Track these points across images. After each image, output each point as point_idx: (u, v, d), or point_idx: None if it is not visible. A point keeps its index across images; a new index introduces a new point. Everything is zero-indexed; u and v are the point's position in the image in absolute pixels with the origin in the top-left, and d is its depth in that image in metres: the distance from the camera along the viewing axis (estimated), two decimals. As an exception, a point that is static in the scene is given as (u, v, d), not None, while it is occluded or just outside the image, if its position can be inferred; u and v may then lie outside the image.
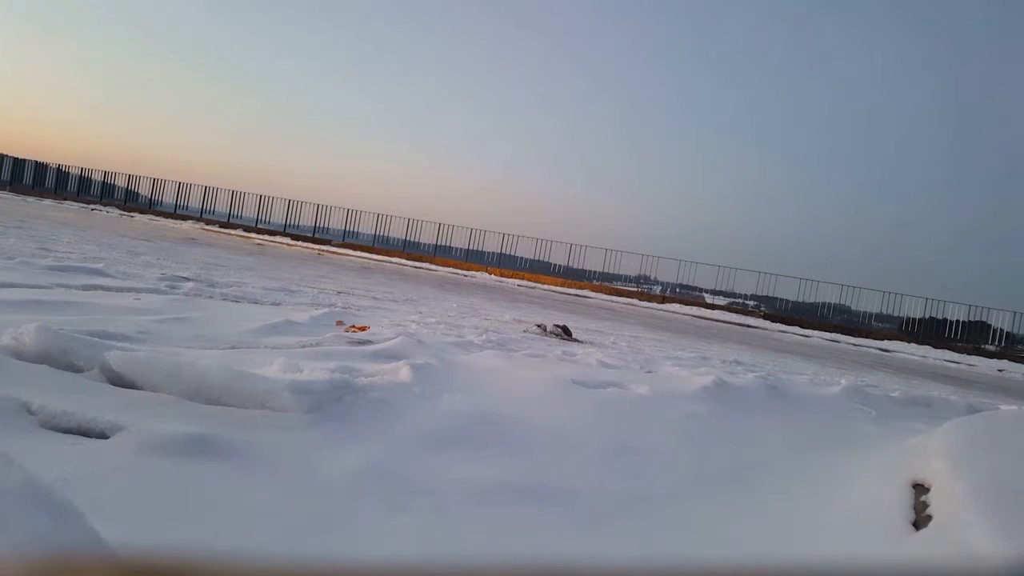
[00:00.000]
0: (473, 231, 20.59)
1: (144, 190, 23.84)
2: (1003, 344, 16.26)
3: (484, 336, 3.43)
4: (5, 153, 24.97)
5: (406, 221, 21.15)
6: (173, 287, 3.53)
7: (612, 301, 14.84)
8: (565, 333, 4.21)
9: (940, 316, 17.22)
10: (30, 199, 18.82)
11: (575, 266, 20.16)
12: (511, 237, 20.37)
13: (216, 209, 22.36)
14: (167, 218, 20.67)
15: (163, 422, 1.28)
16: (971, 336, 16.65)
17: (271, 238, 18.93)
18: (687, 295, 19.31)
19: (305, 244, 18.59)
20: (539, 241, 20.24)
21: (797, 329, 15.05)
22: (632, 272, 19.98)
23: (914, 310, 17.38)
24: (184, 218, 21.19)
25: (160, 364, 1.52)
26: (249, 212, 22.28)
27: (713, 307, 17.15)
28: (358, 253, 18.15)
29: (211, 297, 3.43)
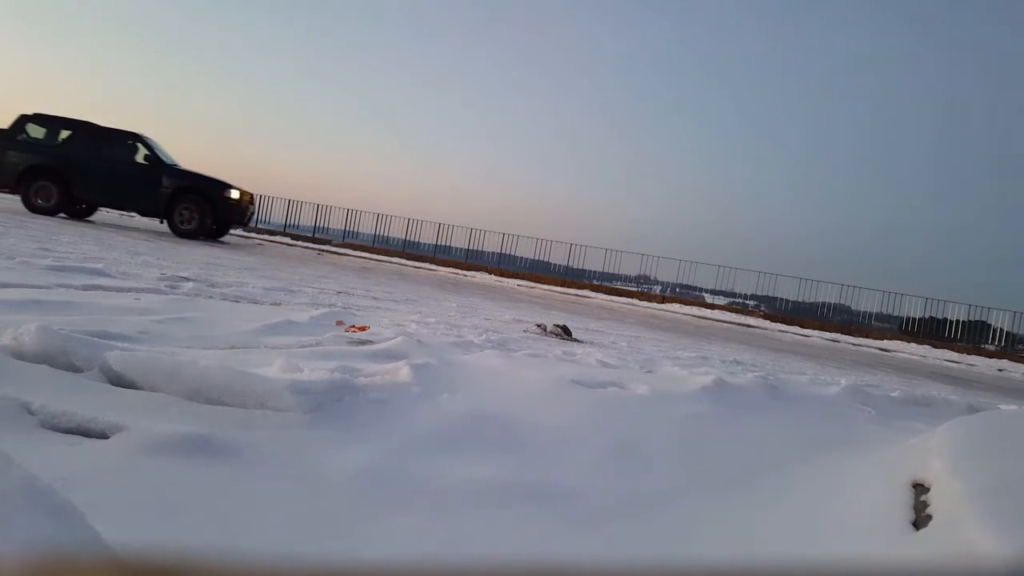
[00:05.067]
0: (473, 231, 20.60)
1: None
2: (1003, 344, 16.27)
3: (484, 336, 3.43)
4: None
5: (406, 221, 21.16)
6: (173, 287, 3.52)
7: (612, 301, 14.84)
8: (565, 333, 4.21)
9: (940, 316, 17.23)
10: (30, 199, 18.79)
11: (575, 266, 20.17)
12: (511, 237, 20.39)
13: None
14: (167, 218, 20.62)
15: (163, 422, 1.28)
16: (971, 336, 16.65)
17: (271, 238, 18.92)
18: (687, 295, 19.30)
19: (305, 244, 18.59)
20: (539, 241, 20.26)
21: (797, 329, 15.05)
22: (632, 272, 19.99)
23: (914, 310, 17.40)
24: (184, 218, 21.14)
25: (160, 364, 1.52)
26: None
27: (713, 307, 17.14)
28: (358, 253, 18.14)
29: (211, 297, 3.42)
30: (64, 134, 10.05)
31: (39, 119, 10.08)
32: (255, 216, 13.86)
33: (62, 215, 10.47)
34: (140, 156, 10.06)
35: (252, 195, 11.27)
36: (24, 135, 9.98)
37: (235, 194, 10.24)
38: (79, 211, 11.05)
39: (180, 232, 9.90)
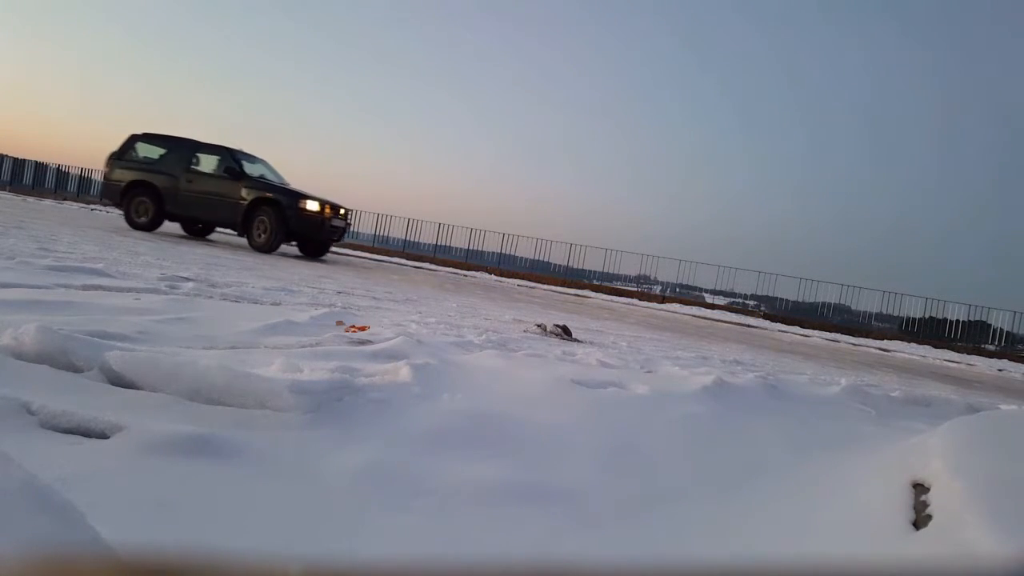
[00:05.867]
0: (473, 231, 20.61)
1: (144, 190, 23.80)
2: (1003, 344, 16.27)
3: (484, 336, 3.43)
4: (5, 153, 24.97)
5: (406, 221, 21.16)
6: (173, 287, 3.52)
7: (612, 301, 14.83)
8: (565, 333, 4.21)
9: (940, 316, 17.23)
10: (30, 199, 18.82)
11: (575, 266, 20.17)
12: (511, 237, 20.39)
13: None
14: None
15: (163, 422, 1.28)
16: (971, 336, 16.65)
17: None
18: (687, 295, 19.31)
19: (305, 244, 18.55)
20: (539, 241, 20.26)
21: (797, 329, 15.04)
22: (632, 272, 20.00)
23: (914, 310, 17.40)
24: (184, 218, 21.12)
25: (160, 364, 1.52)
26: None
27: (713, 307, 17.13)
28: (358, 253, 18.14)
29: (211, 297, 3.43)
30: (162, 150, 10.14)
31: (146, 137, 10.26)
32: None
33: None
34: (224, 168, 9.82)
35: (344, 209, 10.42)
36: (133, 153, 10.20)
37: (312, 206, 9.52)
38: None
39: (255, 246, 9.44)
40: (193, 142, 10.17)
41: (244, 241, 10.46)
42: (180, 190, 9.84)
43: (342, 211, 10.34)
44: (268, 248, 9.42)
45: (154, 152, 10.19)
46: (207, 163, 10.02)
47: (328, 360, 1.99)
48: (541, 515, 1.22)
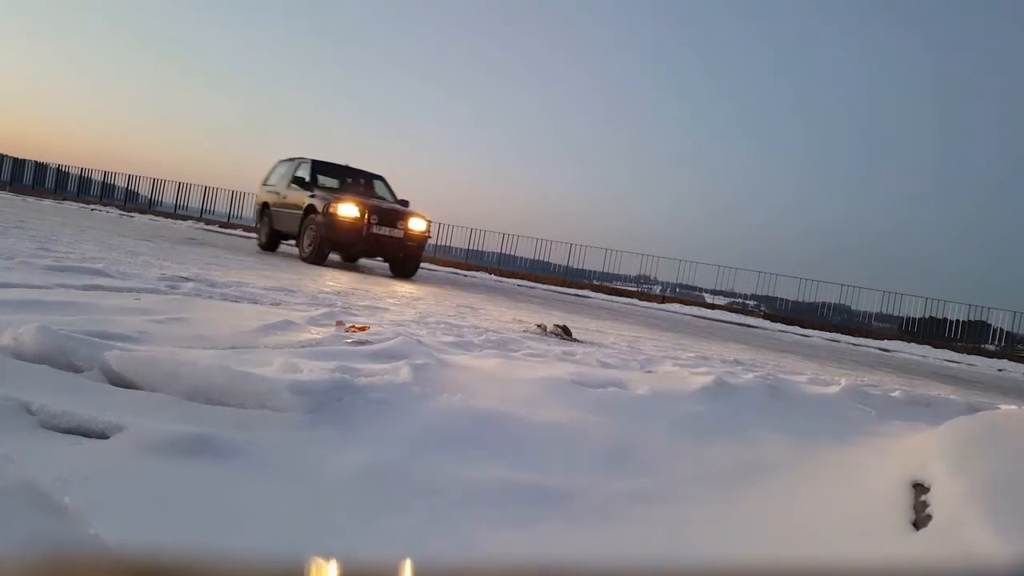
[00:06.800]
0: (473, 231, 20.60)
1: (144, 190, 23.88)
2: (1003, 344, 16.25)
3: (484, 336, 3.43)
4: (5, 153, 25.00)
5: (406, 221, 21.09)
6: (173, 287, 3.52)
7: (612, 301, 14.83)
8: (565, 333, 4.21)
9: (940, 316, 17.22)
10: (30, 199, 18.82)
11: (575, 266, 20.17)
12: (511, 237, 20.38)
13: (216, 209, 22.34)
14: (167, 218, 20.64)
15: (163, 422, 1.28)
16: (971, 336, 16.64)
17: (271, 238, 18.85)
18: (687, 295, 19.29)
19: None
20: (539, 241, 20.25)
21: (797, 329, 15.03)
22: (632, 272, 19.99)
23: (914, 310, 17.37)
24: (184, 218, 21.16)
25: (160, 364, 1.52)
26: (249, 212, 22.25)
27: (713, 307, 17.13)
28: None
29: (211, 297, 3.42)
30: (283, 170, 10.10)
31: (284, 162, 10.32)
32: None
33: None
34: (292, 179, 9.39)
35: (415, 219, 8.80)
36: (272, 176, 10.36)
37: (346, 210, 8.26)
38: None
39: (302, 256, 8.65)
40: (297, 159, 9.92)
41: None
42: (278, 207, 9.76)
43: (405, 221, 8.65)
44: (312, 258, 8.42)
45: (280, 173, 10.21)
46: (296, 178, 9.54)
47: (328, 360, 1.99)
48: (541, 515, 1.22)
